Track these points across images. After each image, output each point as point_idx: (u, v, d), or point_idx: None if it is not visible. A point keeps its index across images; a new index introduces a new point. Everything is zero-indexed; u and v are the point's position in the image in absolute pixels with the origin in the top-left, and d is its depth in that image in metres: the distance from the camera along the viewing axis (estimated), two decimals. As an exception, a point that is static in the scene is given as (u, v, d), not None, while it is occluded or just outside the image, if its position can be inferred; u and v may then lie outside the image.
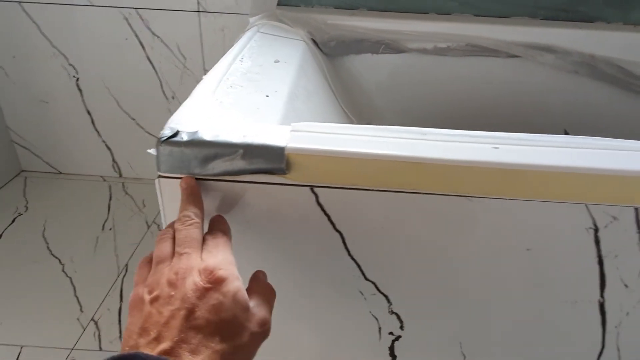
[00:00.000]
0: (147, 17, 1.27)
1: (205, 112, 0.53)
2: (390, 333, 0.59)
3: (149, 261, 0.41)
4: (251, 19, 0.93)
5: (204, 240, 0.41)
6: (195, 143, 0.47)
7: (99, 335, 0.99)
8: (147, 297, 0.37)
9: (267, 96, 0.62)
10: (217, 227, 0.44)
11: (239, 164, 0.46)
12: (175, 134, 0.47)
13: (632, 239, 0.50)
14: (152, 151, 0.48)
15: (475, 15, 1.10)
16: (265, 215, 0.50)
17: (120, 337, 0.99)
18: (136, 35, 1.29)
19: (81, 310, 1.04)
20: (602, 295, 0.54)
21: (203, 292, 0.36)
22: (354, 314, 0.57)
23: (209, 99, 0.57)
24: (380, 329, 0.59)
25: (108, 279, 1.12)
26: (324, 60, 0.99)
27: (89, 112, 1.39)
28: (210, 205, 0.49)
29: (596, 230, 0.50)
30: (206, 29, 1.29)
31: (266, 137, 0.47)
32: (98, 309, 1.04)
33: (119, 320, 1.02)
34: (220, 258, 0.39)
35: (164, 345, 0.33)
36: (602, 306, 0.55)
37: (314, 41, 1.00)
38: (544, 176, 0.47)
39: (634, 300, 0.55)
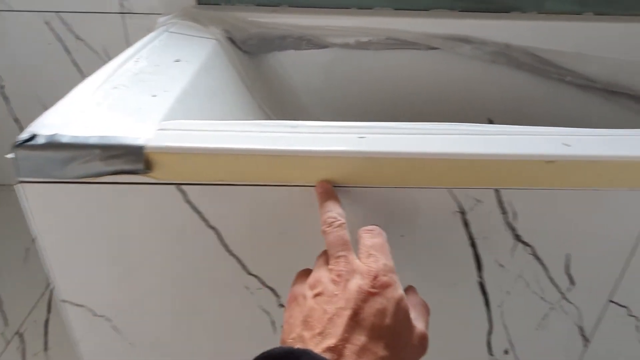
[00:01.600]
0: (69, 21, 1.24)
1: (74, 115, 0.52)
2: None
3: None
4: (160, 19, 0.92)
5: (360, 240, 0.40)
6: (52, 146, 0.46)
7: (23, 349, 0.96)
8: (310, 293, 0.36)
9: (154, 96, 0.61)
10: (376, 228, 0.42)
11: (96, 165, 0.46)
12: (32, 138, 0.46)
13: (498, 220, 0.52)
14: (11, 156, 0.46)
15: (395, 9, 1.11)
16: (135, 217, 0.50)
17: (45, 349, 0.97)
18: (60, 40, 1.26)
19: (6, 325, 1.01)
20: (480, 276, 0.56)
21: (367, 296, 0.34)
22: (244, 310, 0.58)
23: (85, 101, 0.56)
24: (273, 322, 0.59)
25: (36, 290, 1.09)
26: (241, 59, 0.99)
27: (16, 121, 1.35)
28: (76, 210, 0.49)
29: (463, 213, 0.51)
30: (132, 30, 1.27)
31: (124, 136, 0.47)
32: (24, 321, 1.02)
33: (45, 332, 1.00)
34: (382, 263, 0.37)
35: (329, 341, 0.32)
36: (482, 287, 0.57)
37: (231, 40, 1.00)
38: (408, 163, 0.48)
39: (511, 280, 0.56)
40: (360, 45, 1.09)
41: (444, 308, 0.58)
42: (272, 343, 0.61)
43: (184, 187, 0.48)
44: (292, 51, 1.09)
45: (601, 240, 0.54)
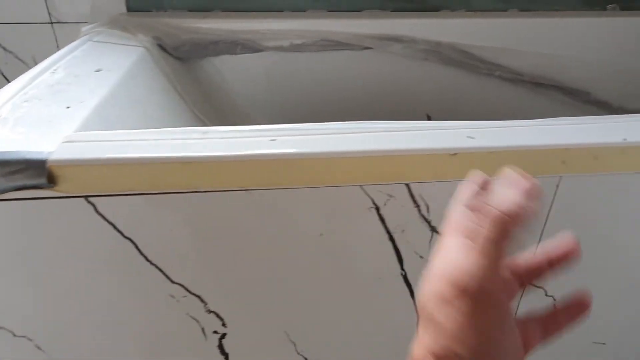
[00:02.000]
0: (-5, 32, 1.19)
1: (-24, 131, 0.50)
2: (215, 332, 0.59)
3: None
4: (83, 28, 0.89)
5: None
6: (-51, 164, 0.44)
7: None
8: None
9: (68, 108, 0.60)
10: None
11: (-3, 182, 0.44)
12: None
13: (412, 213, 0.54)
14: None
15: (328, 11, 1.13)
16: (47, 233, 0.49)
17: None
18: (-14, 53, 1.21)
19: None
20: (402, 269, 0.58)
21: None
22: (172, 318, 0.57)
23: (-10, 115, 0.54)
24: (203, 329, 0.59)
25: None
26: (173, 66, 0.98)
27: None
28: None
29: (377, 209, 0.53)
30: (63, 39, 1.23)
31: (26, 150, 0.46)
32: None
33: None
34: None
35: None
36: (405, 279, 0.59)
37: (162, 47, 0.98)
38: (319, 163, 0.49)
39: (431, 270, 0.58)
40: (295, 48, 1.10)
41: (373, 302, 0.60)
42: (204, 350, 0.61)
43: (92, 199, 0.48)
44: (227, 56, 1.09)
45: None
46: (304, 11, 1.12)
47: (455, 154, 0.50)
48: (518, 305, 0.64)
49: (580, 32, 1.18)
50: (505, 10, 1.18)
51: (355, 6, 1.14)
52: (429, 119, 1.25)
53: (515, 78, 1.19)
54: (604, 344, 0.70)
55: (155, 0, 1.06)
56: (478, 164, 0.51)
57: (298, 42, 1.10)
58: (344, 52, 1.11)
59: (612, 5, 1.22)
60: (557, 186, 0.54)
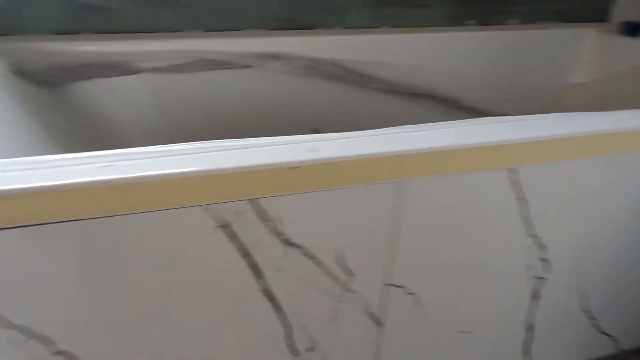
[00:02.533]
0: None
1: None
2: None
3: None
4: None
5: None
6: None
7: None
8: None
9: None
10: None
11: None
12: None
13: (262, 228, 0.54)
14: None
15: (206, 31, 1.13)
16: None
17: None
18: None
19: None
20: (262, 284, 0.58)
21: None
22: (16, 364, 0.53)
23: None
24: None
25: None
26: (34, 93, 0.92)
27: None
28: None
29: (226, 227, 0.53)
30: None
31: None
32: None
33: None
34: None
35: None
36: (267, 293, 0.59)
37: (22, 72, 0.92)
38: (156, 186, 0.49)
39: (292, 281, 0.60)
40: (174, 69, 1.09)
41: (238, 320, 0.60)
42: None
43: None
44: (101, 79, 1.05)
45: (364, 231, 0.60)
46: (180, 31, 1.11)
47: (295, 167, 0.51)
48: (387, 310, 0.67)
49: (446, 46, 1.29)
50: (378, 27, 1.26)
51: (233, 25, 1.15)
52: (317, 132, 1.29)
53: (392, 89, 1.26)
54: (470, 332, 0.76)
55: (11, 22, 0.99)
56: (321, 176, 0.53)
57: (177, 62, 1.08)
58: (225, 72, 1.11)
59: (471, 21, 1.34)
60: (399, 190, 0.58)
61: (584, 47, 1.40)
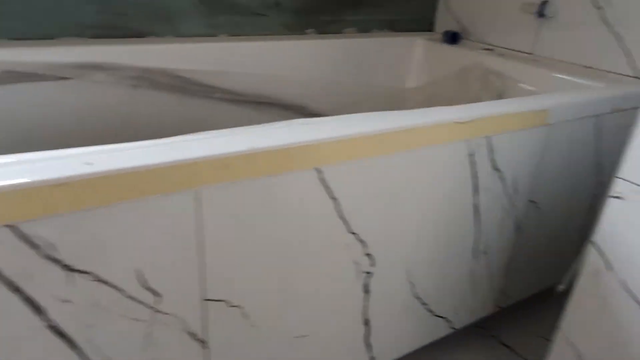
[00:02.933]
0: None
1: None
2: None
3: None
4: None
5: None
6: None
7: None
8: None
9: None
10: None
11: None
12: None
13: (32, 255, 0.47)
14: None
15: (11, 39, 1.00)
16: None
17: None
18: None
19: None
20: (46, 320, 0.51)
21: None
22: None
23: None
24: None
25: None
26: None
27: None
28: None
29: None
30: None
31: None
32: None
33: None
34: None
35: None
36: (55, 329, 0.52)
37: None
38: None
39: (86, 312, 0.53)
40: (-29, 82, 0.94)
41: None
42: None
43: None
44: None
45: (166, 247, 0.55)
46: (-20, 40, 0.97)
47: (61, 184, 0.45)
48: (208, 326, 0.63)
49: (287, 54, 1.31)
50: (215, 36, 1.23)
51: (46, 33, 1.03)
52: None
53: (236, 98, 1.24)
54: (306, 336, 0.75)
55: None
56: (98, 191, 0.48)
57: (-28, 75, 0.94)
58: (37, 84, 0.99)
59: (310, 30, 1.38)
60: (199, 199, 0.55)
61: (415, 54, 1.53)
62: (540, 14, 1.24)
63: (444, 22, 1.55)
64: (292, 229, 0.64)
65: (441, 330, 0.96)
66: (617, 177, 0.67)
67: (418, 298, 0.87)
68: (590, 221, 1.10)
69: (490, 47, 1.39)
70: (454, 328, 0.98)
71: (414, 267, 0.82)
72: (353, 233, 0.70)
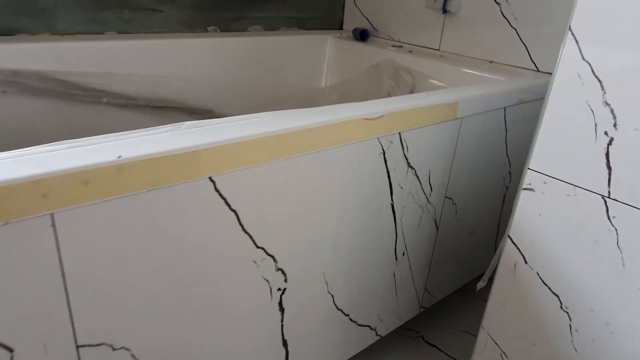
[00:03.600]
0: None
1: None
2: None
3: None
4: None
5: None
6: None
7: None
8: None
9: None
10: None
11: None
12: None
13: None
14: None
15: None
16: None
17: None
18: None
19: None
20: None
21: None
22: None
23: None
24: None
25: None
26: None
27: None
28: None
29: None
30: None
31: None
32: None
33: None
34: None
35: None
36: None
37: None
38: None
39: None
40: None
41: None
42: None
43: None
44: None
45: (23, 289, 0.44)
46: None
47: None
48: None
49: (187, 53, 1.20)
50: (101, 33, 1.10)
51: None
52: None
53: (128, 103, 1.11)
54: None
55: None
56: None
57: None
58: None
59: (213, 27, 1.28)
60: (54, 227, 0.44)
61: (326, 53, 1.48)
62: (444, 9, 1.24)
63: (352, 20, 1.52)
64: (188, 249, 0.55)
65: (367, 339, 0.91)
66: (528, 169, 0.66)
67: (339, 310, 0.81)
68: (504, 212, 1.11)
69: (399, 43, 1.38)
70: (380, 335, 0.94)
71: (332, 277, 0.76)
72: (260, 248, 0.62)
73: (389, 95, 1.26)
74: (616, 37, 0.54)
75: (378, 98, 1.33)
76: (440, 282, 1.03)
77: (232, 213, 0.57)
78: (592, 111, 0.58)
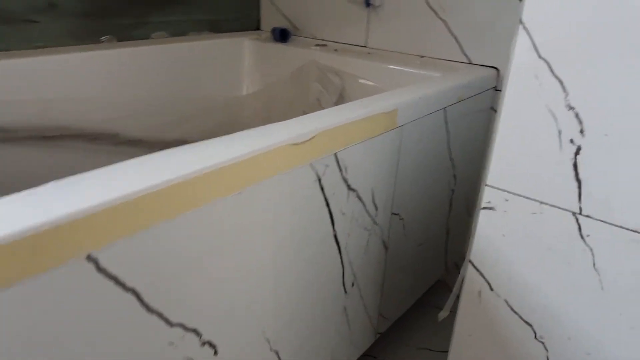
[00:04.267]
0: None
1: None
2: None
3: None
4: None
5: None
6: None
7: None
8: None
9: None
10: None
11: None
12: None
13: None
14: None
15: None
16: None
17: None
18: None
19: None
20: None
21: None
22: None
23: None
24: None
25: None
26: None
27: None
28: None
29: None
30: None
31: None
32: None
33: None
34: None
35: None
36: None
37: None
38: None
39: None
40: None
41: None
42: None
43: None
44: None
45: None
46: None
47: None
48: None
49: (79, 69, 1.01)
50: (-40, 54, 0.89)
51: None
52: None
53: (8, 137, 0.91)
54: None
55: None
56: None
57: None
58: None
59: (107, 37, 1.10)
60: None
61: (244, 57, 1.34)
62: (367, 3, 1.15)
63: (270, 19, 1.39)
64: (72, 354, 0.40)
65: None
66: (486, 185, 0.57)
67: (286, 363, 0.69)
68: (452, 216, 1.04)
69: (323, 42, 1.27)
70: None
71: (274, 332, 0.64)
72: (176, 324, 0.49)
73: (318, 101, 1.15)
74: (578, 29, 0.46)
75: (306, 104, 1.21)
76: (394, 303, 0.94)
77: (129, 293, 0.43)
78: (554, 117, 0.50)
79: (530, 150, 0.52)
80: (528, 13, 0.48)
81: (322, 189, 0.62)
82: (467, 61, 1.03)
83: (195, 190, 0.45)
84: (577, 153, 0.49)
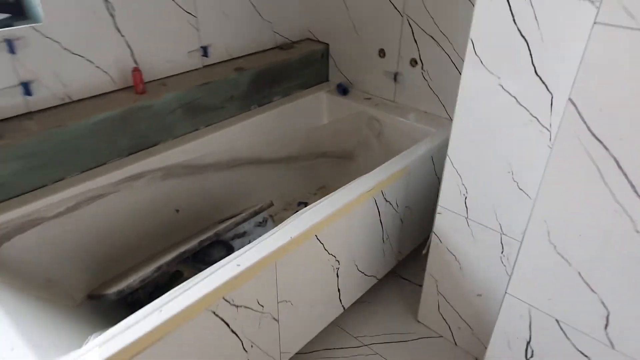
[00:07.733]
0: None
1: None
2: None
3: None
4: None
5: None
6: None
7: None
8: None
9: None
10: None
11: None
12: None
13: None
14: None
15: (83, 172, 1.52)
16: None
17: None
18: None
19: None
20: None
21: None
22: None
23: None
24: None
25: None
26: None
27: None
28: None
29: None
30: None
31: None
32: None
33: None
34: None
35: None
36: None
37: None
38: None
39: None
40: (71, 209, 1.47)
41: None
42: None
43: None
44: None
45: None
46: (63, 179, 1.48)
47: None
48: None
49: (243, 127, 1.96)
50: (197, 130, 1.82)
51: (99, 161, 1.55)
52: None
53: (223, 167, 1.88)
54: None
55: None
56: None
57: (72, 204, 1.46)
58: (106, 199, 1.53)
59: (254, 105, 2.03)
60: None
61: (322, 104, 2.24)
62: (395, 79, 2.03)
63: (334, 74, 2.27)
64: None
65: (369, 284, 1.77)
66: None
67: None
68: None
69: (369, 95, 2.16)
70: (377, 278, 1.80)
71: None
72: None
73: (364, 136, 2.06)
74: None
75: (359, 136, 2.12)
76: (405, 246, 1.89)
77: None
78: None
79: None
80: (475, 39, 1.39)
81: (375, 202, 1.55)
82: (446, 117, 1.91)
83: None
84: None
